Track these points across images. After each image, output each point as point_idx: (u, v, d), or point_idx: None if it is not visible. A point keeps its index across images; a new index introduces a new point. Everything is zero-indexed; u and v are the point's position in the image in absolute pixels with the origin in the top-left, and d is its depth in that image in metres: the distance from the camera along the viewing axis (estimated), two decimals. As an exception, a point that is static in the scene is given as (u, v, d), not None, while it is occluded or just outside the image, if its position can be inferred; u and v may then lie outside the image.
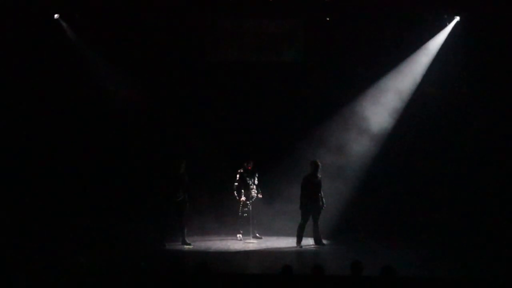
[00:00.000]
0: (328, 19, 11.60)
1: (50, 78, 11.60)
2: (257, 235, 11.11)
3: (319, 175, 10.55)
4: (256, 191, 11.00)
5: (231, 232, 11.14)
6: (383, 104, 11.79)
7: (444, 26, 11.53)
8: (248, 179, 10.95)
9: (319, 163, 10.53)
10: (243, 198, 10.93)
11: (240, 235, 11.03)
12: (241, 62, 11.89)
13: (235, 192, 10.97)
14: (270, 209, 11.35)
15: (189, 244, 10.38)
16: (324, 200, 10.61)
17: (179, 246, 10.36)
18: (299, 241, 10.53)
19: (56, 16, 11.47)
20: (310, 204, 10.47)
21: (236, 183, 10.96)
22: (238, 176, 10.96)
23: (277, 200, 11.45)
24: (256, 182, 11.04)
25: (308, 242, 10.72)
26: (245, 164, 10.96)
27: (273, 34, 11.76)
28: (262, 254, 9.99)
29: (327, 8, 11.40)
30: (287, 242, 10.82)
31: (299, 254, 10.07)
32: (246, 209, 10.97)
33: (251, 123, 11.87)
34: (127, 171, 11.74)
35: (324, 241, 10.69)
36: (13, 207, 11.17)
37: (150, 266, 6.53)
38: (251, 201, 10.97)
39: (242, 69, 11.90)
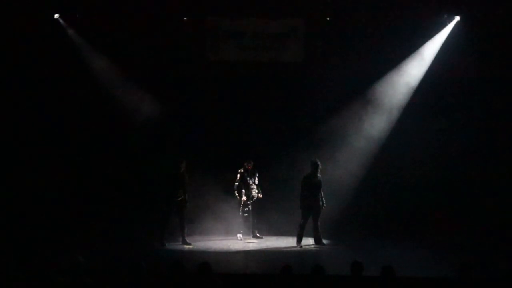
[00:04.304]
0: (328, 19, 11.61)
1: (50, 78, 11.59)
2: (258, 235, 11.11)
3: (319, 175, 10.55)
4: (256, 191, 11.00)
5: (231, 232, 11.14)
6: (383, 105, 11.79)
7: (444, 26, 11.53)
8: (248, 178, 10.96)
9: (319, 163, 10.53)
10: (244, 198, 10.93)
11: (240, 235, 11.03)
12: (241, 62, 11.90)
13: (236, 192, 10.97)
14: (271, 209, 11.36)
15: (189, 244, 10.39)
16: (324, 200, 10.62)
17: (179, 246, 10.36)
18: (299, 241, 10.54)
19: (56, 16, 11.47)
20: (310, 203, 10.48)
21: (236, 183, 10.96)
22: (238, 176, 10.95)
23: (277, 200, 11.46)
24: (256, 182, 11.04)
25: (308, 242, 10.73)
26: (246, 164, 10.96)
27: (273, 34, 11.76)
28: (262, 254, 9.99)
29: (327, 8, 11.41)
30: (287, 242, 10.83)
31: (299, 254, 10.07)
32: (247, 209, 10.97)
33: (251, 123, 11.87)
34: (127, 171, 11.73)
35: (324, 241, 10.69)
36: (13, 206, 11.18)
37: (150, 266, 6.53)
38: (251, 201, 10.97)
39: (242, 69, 11.90)
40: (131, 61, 11.66)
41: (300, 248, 10.41)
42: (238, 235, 11.03)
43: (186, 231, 10.49)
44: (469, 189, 11.48)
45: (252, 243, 10.78)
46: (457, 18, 11.41)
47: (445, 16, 11.44)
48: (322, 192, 10.60)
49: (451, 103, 11.73)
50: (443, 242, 10.61)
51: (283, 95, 11.93)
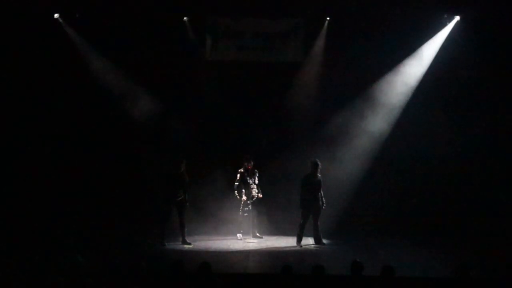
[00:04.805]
0: (328, 18, 11.62)
1: (50, 78, 11.59)
2: (258, 234, 11.10)
3: (319, 175, 10.56)
4: (256, 191, 11.00)
5: (231, 232, 11.13)
6: (383, 105, 11.79)
7: (444, 26, 11.54)
8: (248, 178, 10.95)
9: (319, 163, 10.53)
10: (244, 198, 10.93)
11: (240, 235, 11.02)
12: (241, 62, 11.90)
13: (235, 191, 10.97)
14: (271, 208, 11.35)
15: (189, 244, 10.38)
16: (324, 200, 10.62)
17: (179, 246, 10.36)
18: (299, 240, 10.54)
19: (56, 16, 11.48)
20: (310, 203, 10.48)
21: (236, 183, 10.95)
22: (238, 175, 10.95)
23: (277, 200, 11.45)
24: (256, 181, 11.03)
25: (308, 241, 10.73)
26: (246, 164, 10.96)
27: (273, 34, 11.77)
28: (262, 253, 9.99)
29: (327, 8, 11.42)
30: (287, 242, 10.82)
31: (299, 253, 10.05)
32: (247, 208, 10.96)
33: (251, 123, 11.88)
34: (127, 171, 11.73)
35: (324, 241, 10.69)
36: (13, 206, 11.18)
37: (150, 266, 6.53)
38: (251, 201, 10.97)
39: (242, 69, 11.90)
40: (130, 61, 11.66)
41: (300, 248, 10.41)
42: (238, 235, 11.03)
43: (186, 231, 10.49)
44: (469, 189, 11.48)
45: (252, 243, 10.77)
46: (457, 18, 11.42)
47: (445, 16, 11.45)
48: (322, 192, 10.60)
49: (451, 102, 11.73)
50: (443, 242, 10.61)
51: (283, 95, 11.93)
